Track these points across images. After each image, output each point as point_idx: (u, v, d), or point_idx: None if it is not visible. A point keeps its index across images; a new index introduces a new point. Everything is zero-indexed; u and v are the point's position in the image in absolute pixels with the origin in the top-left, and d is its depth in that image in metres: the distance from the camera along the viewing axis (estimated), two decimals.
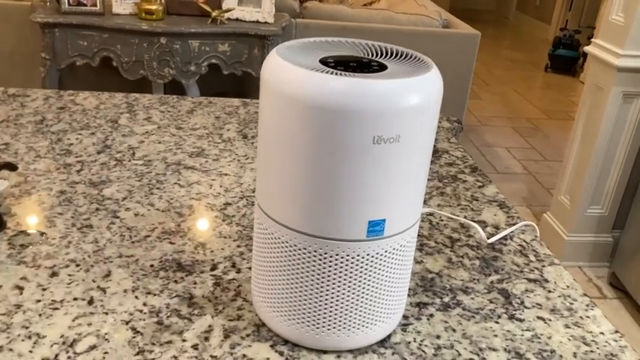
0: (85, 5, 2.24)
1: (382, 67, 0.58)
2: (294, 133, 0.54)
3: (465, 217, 0.94)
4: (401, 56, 0.61)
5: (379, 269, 0.59)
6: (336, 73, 0.53)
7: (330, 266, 0.58)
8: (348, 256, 0.57)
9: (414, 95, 0.53)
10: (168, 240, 0.80)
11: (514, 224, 0.93)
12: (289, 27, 2.57)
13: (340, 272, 0.58)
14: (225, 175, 1.00)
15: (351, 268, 0.58)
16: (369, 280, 0.59)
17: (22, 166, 0.97)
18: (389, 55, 0.61)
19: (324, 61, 0.58)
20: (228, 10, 2.36)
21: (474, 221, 0.93)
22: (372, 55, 0.61)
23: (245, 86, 2.76)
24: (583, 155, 2.29)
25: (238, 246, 0.80)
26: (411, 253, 0.63)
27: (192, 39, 2.29)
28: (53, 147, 1.05)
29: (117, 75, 2.37)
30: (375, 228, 0.57)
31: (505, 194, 3.05)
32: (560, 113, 4.32)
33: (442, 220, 0.92)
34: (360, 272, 0.58)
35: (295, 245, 0.58)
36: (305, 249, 0.58)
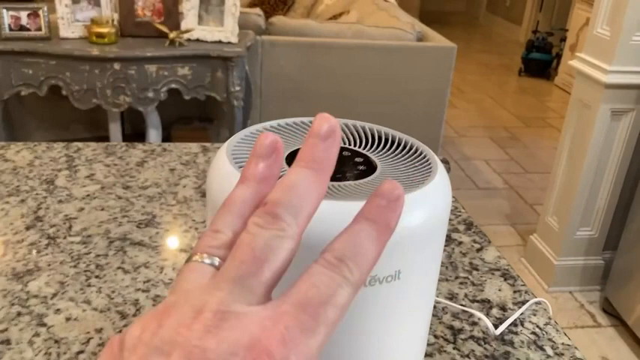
0: (28, 30, 2.04)
1: (370, 167, 0.43)
2: None
3: (466, 295, 0.79)
4: (393, 146, 0.46)
5: None
6: None
7: None
8: None
9: (417, 215, 0.39)
10: None
11: (522, 301, 0.79)
12: (255, 46, 2.41)
13: None
14: (180, 251, 0.84)
15: None
16: None
17: None
18: (377, 145, 0.46)
19: (290, 160, 0.43)
20: (187, 31, 2.19)
21: (477, 301, 0.78)
22: (356, 145, 0.46)
23: (209, 109, 2.59)
24: (571, 175, 2.18)
25: None
26: None
27: (148, 63, 2.11)
28: None
29: (70, 103, 2.18)
30: None
31: (487, 212, 2.93)
32: (537, 120, 4.23)
33: (439, 303, 0.78)
34: None
35: None
36: None
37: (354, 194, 0.39)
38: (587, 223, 2.21)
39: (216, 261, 0.29)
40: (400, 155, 0.45)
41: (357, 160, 0.44)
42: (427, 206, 0.39)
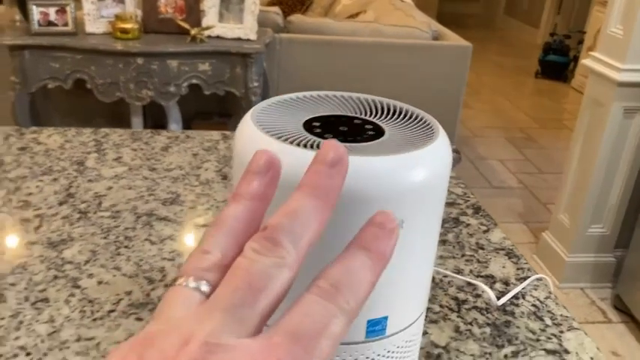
0: (56, 25, 2.12)
1: (378, 132, 0.48)
2: None
3: (471, 271, 0.84)
4: (399, 115, 0.51)
5: None
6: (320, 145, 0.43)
7: None
8: None
9: (419, 171, 0.43)
10: (135, 315, 0.70)
11: (524, 277, 0.83)
12: (272, 43, 2.47)
13: None
14: (203, 226, 0.90)
15: None
16: None
17: None
18: (385, 114, 0.51)
19: (308, 126, 0.48)
20: (208, 28, 2.25)
21: (481, 276, 0.83)
22: (366, 114, 0.51)
23: (228, 104, 2.66)
24: (583, 172, 2.21)
25: None
26: (416, 347, 0.53)
27: (170, 59, 2.17)
28: (10, 198, 0.94)
29: (93, 96, 2.26)
30: (375, 327, 0.47)
31: (501, 210, 2.96)
32: (553, 122, 4.24)
33: (446, 277, 0.82)
34: None
35: None
36: None
37: (365, 152, 0.43)
38: (598, 221, 2.23)
39: (203, 285, 0.27)
40: (406, 122, 0.49)
41: (367, 126, 0.49)
42: (428, 164, 0.44)
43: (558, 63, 5.21)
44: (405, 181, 0.43)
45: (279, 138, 0.44)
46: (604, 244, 2.28)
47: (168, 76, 2.21)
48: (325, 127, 0.48)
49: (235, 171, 0.48)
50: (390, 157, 0.43)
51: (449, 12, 7.46)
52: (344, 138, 0.46)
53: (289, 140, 0.44)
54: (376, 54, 2.57)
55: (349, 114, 0.51)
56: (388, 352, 0.49)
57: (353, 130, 0.48)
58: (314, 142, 0.44)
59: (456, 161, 1.24)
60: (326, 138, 0.46)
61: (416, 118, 0.50)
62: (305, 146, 0.43)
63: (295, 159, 0.42)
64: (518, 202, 3.00)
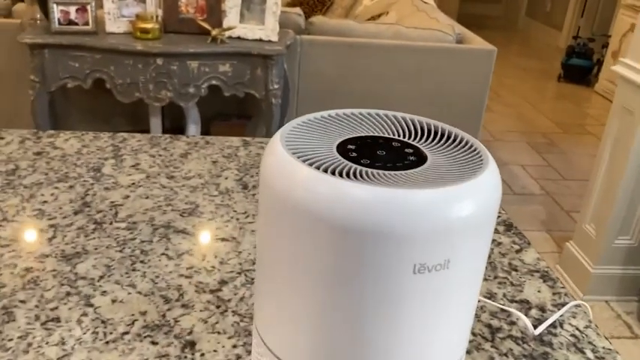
0: (76, 24, 2.10)
1: (420, 157, 0.43)
2: (301, 253, 0.40)
3: (505, 296, 0.79)
4: (442, 138, 0.46)
5: None
6: (359, 174, 0.39)
7: None
8: None
9: (468, 205, 0.39)
10: (150, 339, 0.66)
11: (562, 304, 0.79)
12: (294, 45, 2.43)
13: None
14: (222, 240, 0.86)
15: None
16: None
17: None
18: (426, 137, 0.47)
19: (342, 149, 0.44)
20: (229, 29, 2.22)
21: (515, 301, 0.78)
22: (405, 136, 0.47)
23: (248, 106, 2.62)
24: (611, 182, 2.14)
25: (234, 346, 0.66)
26: None
27: (190, 59, 2.14)
28: (24, 206, 0.90)
29: (112, 96, 2.23)
30: None
31: (523, 217, 2.90)
32: (576, 127, 4.16)
33: (479, 302, 0.78)
34: None
35: None
36: None
37: (406, 183, 0.39)
38: (626, 232, 2.17)
39: None
40: (450, 147, 0.45)
41: (407, 150, 0.45)
42: (478, 198, 0.40)
43: (582, 67, 5.12)
44: (452, 218, 0.38)
45: (311, 165, 0.40)
46: (631, 256, 2.22)
47: (188, 77, 2.17)
48: (361, 150, 0.44)
49: (262, 195, 0.44)
50: (436, 191, 0.38)
51: (470, 13, 7.37)
52: (383, 164, 0.42)
53: (323, 167, 0.40)
54: (398, 56, 2.52)
55: (386, 135, 0.47)
56: None
57: (392, 155, 0.44)
58: (350, 168, 0.40)
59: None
60: (363, 164, 0.41)
61: (460, 142, 0.46)
62: (340, 175, 0.39)
63: (329, 190, 0.38)
64: (541, 209, 2.93)
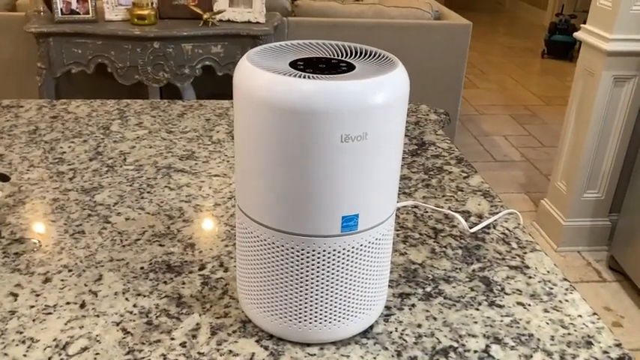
0: (78, 13, 2.26)
1: (350, 67, 0.60)
2: (265, 136, 0.56)
3: (450, 208, 0.96)
4: (369, 55, 0.63)
5: (356, 262, 0.61)
6: (304, 76, 0.55)
7: (307, 262, 0.60)
8: (324, 251, 0.59)
9: (380, 94, 0.56)
10: (158, 242, 0.83)
11: (498, 213, 0.95)
12: (281, 26, 2.59)
13: (318, 267, 0.60)
14: (215, 176, 1.03)
15: (329, 262, 0.60)
16: (347, 274, 0.61)
17: (15, 176, 0.99)
18: (357, 55, 0.63)
19: (293, 64, 0.60)
20: (219, 12, 2.38)
21: (458, 212, 0.95)
22: (341, 56, 0.63)
23: None
24: (577, 140, 2.31)
25: (226, 245, 0.83)
26: (388, 245, 0.65)
27: (184, 42, 2.31)
28: (46, 156, 1.07)
29: (114, 80, 2.40)
30: (349, 223, 0.60)
31: (503, 182, 3.07)
32: (558, 99, 4.32)
33: (426, 212, 0.94)
34: (338, 266, 0.61)
35: (273, 243, 0.60)
36: (283, 246, 0.60)
37: (341, 79, 0.56)
38: (593, 186, 2.33)
39: None
40: (372, 59, 0.62)
41: (342, 65, 0.61)
42: (387, 87, 0.56)
43: (564, 42, 5.27)
44: (369, 100, 0.55)
45: (269, 71, 0.57)
46: (599, 209, 2.38)
47: (183, 59, 2.34)
48: (307, 65, 0.60)
49: (235, 98, 0.60)
50: (357, 82, 0.55)
51: None
52: (321, 72, 0.58)
53: (277, 72, 0.56)
54: (380, 34, 2.67)
55: (328, 56, 0.63)
56: (361, 245, 0.61)
57: (330, 67, 0.60)
58: (297, 74, 0.56)
59: (445, 122, 1.36)
60: (308, 72, 0.58)
61: (381, 56, 0.62)
62: (291, 76, 0.56)
63: (282, 86, 0.55)
64: (520, 174, 3.10)
